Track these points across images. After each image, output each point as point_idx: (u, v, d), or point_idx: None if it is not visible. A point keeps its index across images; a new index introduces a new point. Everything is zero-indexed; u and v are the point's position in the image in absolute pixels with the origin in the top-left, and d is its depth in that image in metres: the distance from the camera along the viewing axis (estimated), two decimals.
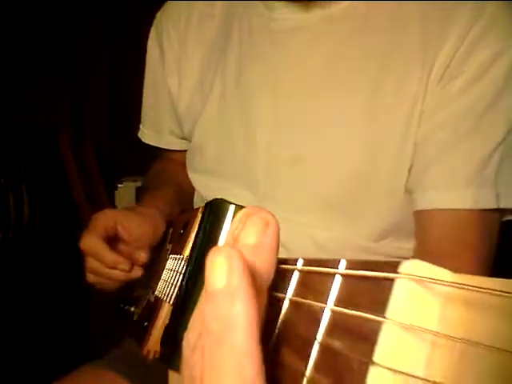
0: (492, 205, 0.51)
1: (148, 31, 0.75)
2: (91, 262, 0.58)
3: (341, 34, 0.57)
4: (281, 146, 0.60)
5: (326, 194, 0.58)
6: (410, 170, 0.55)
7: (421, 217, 0.55)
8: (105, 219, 0.59)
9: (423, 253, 0.55)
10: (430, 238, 0.54)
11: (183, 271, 0.28)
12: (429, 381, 0.12)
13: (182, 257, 0.47)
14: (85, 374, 0.66)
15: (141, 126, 0.81)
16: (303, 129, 0.59)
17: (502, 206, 0.52)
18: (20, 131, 2.19)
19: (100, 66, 2.45)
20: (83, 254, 0.59)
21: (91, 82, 2.44)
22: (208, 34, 0.68)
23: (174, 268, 0.48)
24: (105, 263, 0.57)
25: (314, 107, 0.58)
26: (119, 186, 2.17)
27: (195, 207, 0.75)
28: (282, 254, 0.67)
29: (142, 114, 0.80)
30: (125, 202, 2.07)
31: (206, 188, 0.69)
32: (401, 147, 0.54)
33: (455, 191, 0.52)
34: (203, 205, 0.60)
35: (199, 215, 0.54)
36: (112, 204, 2.11)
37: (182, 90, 0.70)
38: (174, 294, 0.42)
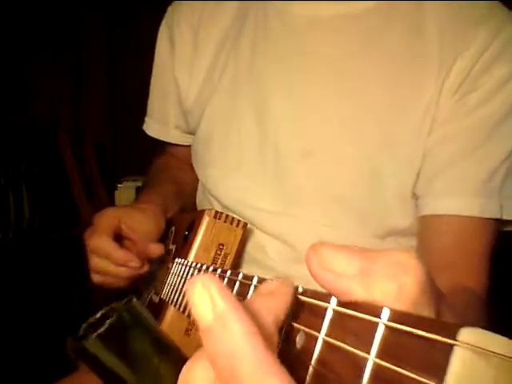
0: (497, 215, 0.53)
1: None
2: (97, 262, 0.58)
3: (359, 33, 0.58)
4: (292, 138, 0.60)
5: (333, 190, 0.58)
6: (418, 175, 0.55)
7: (427, 221, 0.55)
8: (109, 218, 0.59)
9: (428, 258, 0.55)
10: (435, 243, 0.55)
11: None
12: None
13: (186, 262, 0.48)
14: (87, 375, 0.66)
15: (146, 119, 0.80)
16: (315, 122, 0.59)
17: (504, 217, 0.53)
18: (20, 131, 2.19)
19: (100, 66, 2.45)
20: (89, 254, 0.59)
21: (91, 83, 2.44)
22: (221, 26, 0.67)
23: (179, 273, 0.49)
24: (115, 261, 0.57)
25: (327, 102, 0.58)
26: (119, 186, 2.17)
27: (197, 202, 0.75)
28: (290, 254, 0.65)
29: (148, 106, 0.80)
30: (125, 202, 2.07)
31: (209, 180, 0.68)
32: (411, 150, 0.55)
33: (464, 199, 0.53)
34: (209, 208, 0.60)
35: (205, 217, 0.54)
36: (112, 204, 2.11)
37: (192, 83, 0.70)
38: (180, 298, 0.42)
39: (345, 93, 0.58)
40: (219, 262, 0.52)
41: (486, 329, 0.13)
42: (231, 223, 0.54)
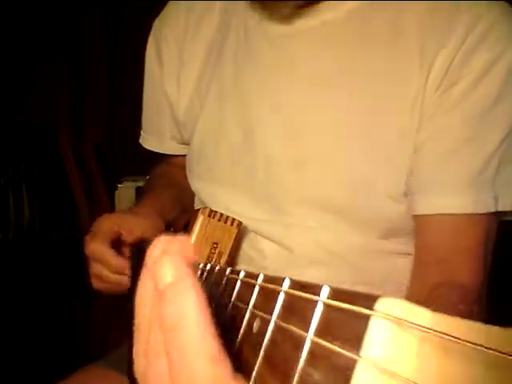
0: (491, 208, 0.52)
1: (149, 30, 0.75)
2: (96, 268, 0.58)
3: (341, 40, 0.57)
4: (281, 150, 0.60)
5: (326, 198, 0.58)
6: (410, 173, 0.55)
7: (420, 221, 0.55)
8: (108, 224, 0.59)
9: (423, 258, 0.55)
10: (430, 240, 0.54)
11: None
12: None
13: None
14: (87, 375, 0.66)
15: (142, 132, 0.80)
16: (303, 133, 0.58)
17: (500, 208, 0.52)
18: (20, 131, 2.19)
19: (100, 66, 2.45)
20: (88, 260, 0.59)
21: (91, 83, 2.44)
22: (206, 38, 0.67)
23: None
24: (112, 268, 0.57)
25: (313, 111, 0.58)
26: (119, 186, 2.17)
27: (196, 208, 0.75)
28: (289, 258, 0.65)
29: (143, 120, 0.80)
30: (125, 202, 2.07)
31: (204, 193, 0.68)
32: (400, 150, 0.55)
33: (455, 196, 0.52)
34: (203, 206, 0.60)
35: (200, 216, 0.53)
36: (112, 204, 2.11)
37: (180, 96, 0.69)
38: None
39: (330, 100, 0.57)
40: (213, 260, 0.52)
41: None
42: (225, 222, 0.54)
